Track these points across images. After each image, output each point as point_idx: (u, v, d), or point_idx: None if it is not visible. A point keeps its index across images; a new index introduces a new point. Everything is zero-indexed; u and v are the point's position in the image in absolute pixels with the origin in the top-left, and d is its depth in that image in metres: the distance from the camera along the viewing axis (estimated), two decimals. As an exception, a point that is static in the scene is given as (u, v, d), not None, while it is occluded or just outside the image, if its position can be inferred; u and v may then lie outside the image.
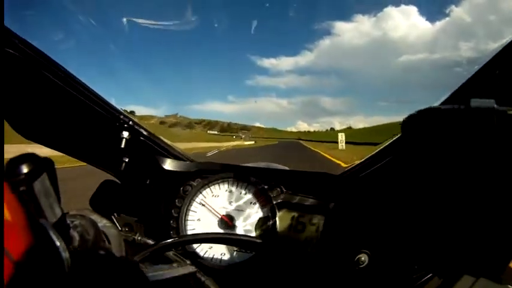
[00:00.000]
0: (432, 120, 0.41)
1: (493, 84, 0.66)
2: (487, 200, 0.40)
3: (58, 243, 0.53)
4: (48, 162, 0.61)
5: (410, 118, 0.44)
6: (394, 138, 0.84)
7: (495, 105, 0.38)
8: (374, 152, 0.94)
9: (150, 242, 0.97)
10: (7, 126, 0.92)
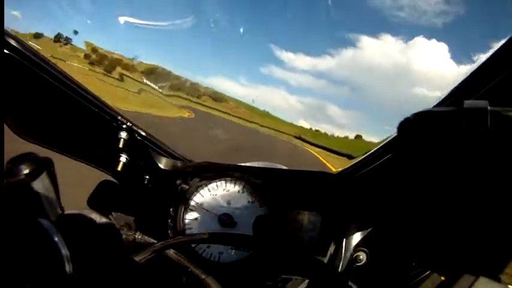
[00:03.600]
0: (427, 122, 0.41)
1: (487, 85, 0.67)
2: (485, 200, 0.40)
3: (59, 243, 0.53)
4: (48, 162, 0.61)
5: (405, 121, 0.45)
6: (391, 138, 0.85)
7: (488, 106, 0.38)
8: (371, 151, 0.94)
9: (149, 241, 0.97)
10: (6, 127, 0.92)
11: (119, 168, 1.02)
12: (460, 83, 0.74)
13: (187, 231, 1.03)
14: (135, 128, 1.01)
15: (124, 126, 0.99)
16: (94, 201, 1.05)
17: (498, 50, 0.67)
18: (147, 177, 1.09)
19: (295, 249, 0.95)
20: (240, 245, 0.96)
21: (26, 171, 0.57)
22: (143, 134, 1.03)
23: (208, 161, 1.10)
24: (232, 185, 1.08)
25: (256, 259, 0.95)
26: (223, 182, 1.08)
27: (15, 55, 0.81)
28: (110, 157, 1.04)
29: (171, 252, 0.90)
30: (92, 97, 0.95)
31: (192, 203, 1.06)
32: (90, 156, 1.11)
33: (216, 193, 1.07)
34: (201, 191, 1.08)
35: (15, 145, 0.87)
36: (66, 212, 0.62)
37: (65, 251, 0.53)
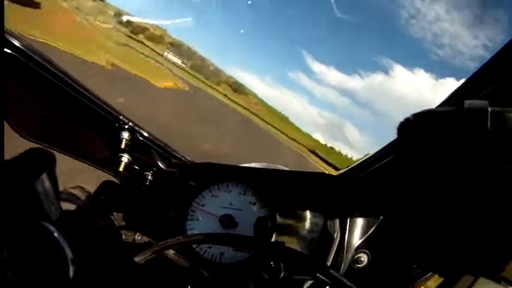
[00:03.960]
0: (427, 122, 0.41)
1: (489, 87, 0.67)
2: (485, 200, 0.40)
3: (63, 245, 0.53)
4: (48, 162, 0.61)
5: (405, 121, 0.45)
6: (393, 139, 0.84)
7: (488, 107, 0.38)
8: (374, 153, 0.94)
9: (150, 241, 0.97)
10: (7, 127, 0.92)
11: (121, 168, 1.03)
12: (462, 84, 0.74)
13: (189, 232, 1.03)
14: (137, 128, 1.01)
15: (126, 126, 0.99)
16: (95, 202, 1.06)
17: (500, 51, 0.67)
18: (149, 177, 1.09)
19: (297, 251, 0.95)
20: (242, 246, 0.96)
21: (26, 171, 0.57)
22: (145, 134, 1.03)
23: (210, 161, 1.11)
24: (233, 186, 1.08)
25: (258, 260, 0.95)
26: (225, 183, 1.08)
27: (17, 54, 0.81)
28: (111, 157, 1.05)
29: (171, 253, 0.91)
30: (94, 97, 0.95)
31: (194, 203, 1.06)
32: (92, 156, 1.12)
33: (217, 194, 1.07)
34: (203, 192, 1.08)
35: (16, 145, 0.87)
36: (67, 212, 0.62)
37: (69, 253, 0.54)
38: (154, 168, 1.09)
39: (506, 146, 0.37)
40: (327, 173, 1.13)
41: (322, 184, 1.02)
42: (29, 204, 0.56)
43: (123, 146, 0.99)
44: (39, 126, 1.02)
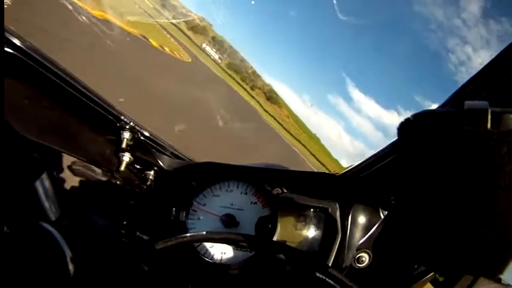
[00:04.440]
0: (427, 123, 0.41)
1: (490, 87, 0.67)
2: (485, 201, 0.40)
3: (62, 244, 0.53)
4: (48, 162, 0.61)
5: (405, 122, 0.45)
6: (394, 140, 0.84)
7: (489, 107, 0.38)
8: (375, 153, 0.94)
9: (150, 241, 0.97)
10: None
11: (122, 168, 1.03)
12: (463, 85, 0.73)
13: (190, 232, 1.03)
14: (138, 128, 1.01)
15: (127, 126, 0.99)
16: (96, 201, 1.06)
17: (501, 52, 0.66)
18: (150, 177, 1.09)
19: (299, 251, 0.95)
20: (243, 245, 0.96)
21: (26, 171, 0.57)
22: (146, 134, 1.03)
23: (212, 161, 1.11)
24: (235, 186, 1.08)
25: (260, 260, 0.95)
26: (226, 182, 1.08)
27: (18, 53, 0.81)
28: (112, 157, 1.05)
29: (172, 252, 0.91)
30: (95, 96, 0.95)
31: (195, 203, 1.06)
32: (93, 155, 1.12)
33: (218, 194, 1.07)
34: (204, 192, 1.08)
35: (16, 145, 0.87)
36: (66, 211, 0.62)
37: (68, 252, 0.54)
38: (156, 168, 1.09)
39: (507, 146, 0.37)
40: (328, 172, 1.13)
41: (324, 184, 1.02)
42: (29, 203, 0.56)
43: (124, 145, 0.99)
44: (40, 125, 1.02)
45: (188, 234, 0.99)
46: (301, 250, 0.96)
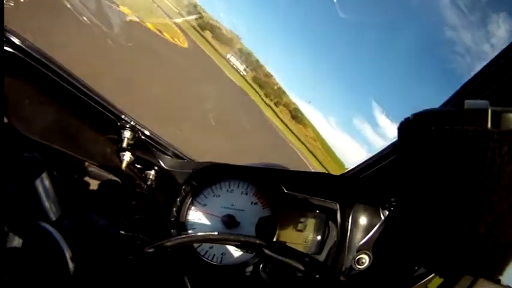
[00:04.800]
0: (427, 122, 0.41)
1: (492, 87, 0.67)
2: (485, 201, 0.40)
3: (61, 243, 0.53)
4: (48, 162, 0.61)
5: (405, 121, 0.45)
6: (395, 140, 0.84)
7: (489, 107, 0.38)
8: (375, 154, 0.94)
9: (150, 241, 0.97)
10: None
11: (122, 167, 1.03)
12: (464, 85, 0.73)
13: (190, 232, 1.03)
14: (139, 127, 1.01)
15: (128, 125, 0.99)
16: (96, 201, 1.06)
17: (502, 52, 0.66)
18: (150, 176, 1.09)
19: (299, 251, 0.95)
20: (243, 246, 0.96)
21: (27, 171, 0.57)
22: (147, 133, 1.03)
23: (212, 161, 1.11)
24: (235, 186, 1.07)
25: (260, 261, 0.95)
26: (226, 182, 1.08)
27: (18, 53, 0.81)
28: (113, 156, 1.05)
29: (172, 252, 0.91)
30: (96, 96, 0.95)
31: (195, 203, 1.06)
32: (94, 154, 1.12)
33: (219, 194, 1.07)
34: (204, 192, 1.08)
35: (16, 145, 0.87)
36: (67, 211, 0.62)
37: (68, 252, 0.54)
38: (156, 167, 1.09)
39: (507, 146, 0.37)
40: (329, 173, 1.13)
41: (324, 184, 1.02)
42: (29, 203, 0.56)
43: (125, 145, 0.99)
44: (40, 125, 1.02)
45: (188, 234, 1.00)
46: (301, 251, 0.96)
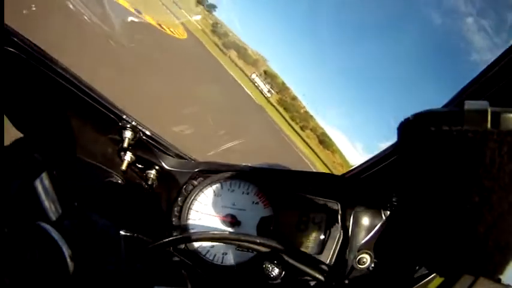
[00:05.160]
0: (427, 122, 0.41)
1: (493, 88, 0.66)
2: (485, 201, 0.40)
3: (60, 243, 0.53)
4: (48, 161, 0.61)
5: (405, 121, 0.45)
6: (396, 141, 0.84)
7: (489, 107, 0.38)
8: (377, 154, 0.94)
9: (151, 241, 0.97)
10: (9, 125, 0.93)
11: (123, 167, 1.03)
12: (465, 86, 0.73)
13: (191, 231, 1.03)
14: (140, 127, 1.01)
15: (129, 125, 0.99)
16: (97, 201, 1.06)
17: (503, 53, 0.66)
18: (151, 176, 1.09)
19: (300, 251, 0.95)
20: (245, 246, 0.96)
21: (26, 171, 0.57)
22: (148, 133, 1.03)
23: (214, 161, 1.11)
24: (237, 186, 1.08)
25: (261, 260, 0.95)
26: (228, 182, 1.08)
27: (19, 52, 0.81)
28: (114, 156, 1.05)
29: (173, 251, 0.91)
30: (97, 96, 0.95)
31: (197, 203, 1.07)
32: (95, 154, 1.12)
33: (220, 193, 1.07)
34: (206, 191, 1.08)
35: (16, 145, 0.87)
36: (67, 211, 0.62)
37: (67, 250, 0.54)
38: (157, 167, 1.09)
39: (507, 146, 0.37)
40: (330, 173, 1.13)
41: (326, 184, 1.02)
42: (29, 203, 0.56)
43: (126, 145, 0.99)
44: (41, 125, 1.02)
45: (189, 234, 1.00)
46: (302, 251, 0.96)
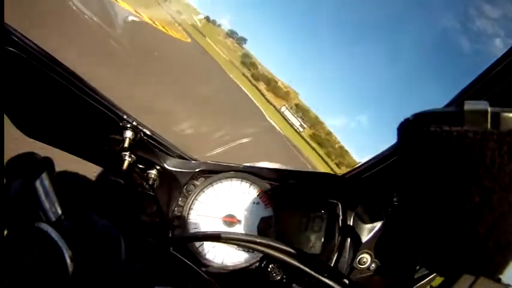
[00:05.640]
0: (426, 123, 0.41)
1: (493, 89, 0.66)
2: (485, 201, 0.40)
3: (60, 244, 0.53)
4: (48, 162, 0.61)
5: (405, 122, 0.45)
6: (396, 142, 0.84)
7: (489, 108, 0.38)
8: (377, 154, 0.94)
9: (152, 241, 0.97)
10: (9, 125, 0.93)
11: (124, 167, 1.03)
12: (466, 86, 0.73)
13: (192, 231, 1.03)
14: (140, 127, 1.01)
15: (129, 125, 0.99)
16: (97, 201, 1.06)
17: (505, 54, 0.66)
18: (152, 176, 1.09)
19: (301, 251, 0.95)
20: (245, 246, 0.96)
21: (26, 171, 0.57)
22: (148, 133, 1.03)
23: (214, 161, 1.11)
24: (237, 186, 1.08)
25: (262, 260, 0.95)
26: (228, 182, 1.08)
27: (19, 52, 0.81)
28: (114, 156, 1.05)
29: (174, 252, 0.91)
30: (98, 96, 0.95)
31: (198, 203, 1.07)
32: (95, 155, 1.12)
33: (221, 193, 1.07)
34: (206, 191, 1.08)
35: (16, 144, 0.87)
36: (67, 212, 0.62)
37: (67, 251, 0.54)
38: (158, 167, 1.09)
39: (507, 146, 0.37)
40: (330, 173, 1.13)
41: (326, 184, 1.02)
42: (29, 204, 0.56)
43: (126, 145, 0.99)
44: (42, 125, 1.02)
45: (190, 234, 1.00)
46: (303, 250, 0.96)
